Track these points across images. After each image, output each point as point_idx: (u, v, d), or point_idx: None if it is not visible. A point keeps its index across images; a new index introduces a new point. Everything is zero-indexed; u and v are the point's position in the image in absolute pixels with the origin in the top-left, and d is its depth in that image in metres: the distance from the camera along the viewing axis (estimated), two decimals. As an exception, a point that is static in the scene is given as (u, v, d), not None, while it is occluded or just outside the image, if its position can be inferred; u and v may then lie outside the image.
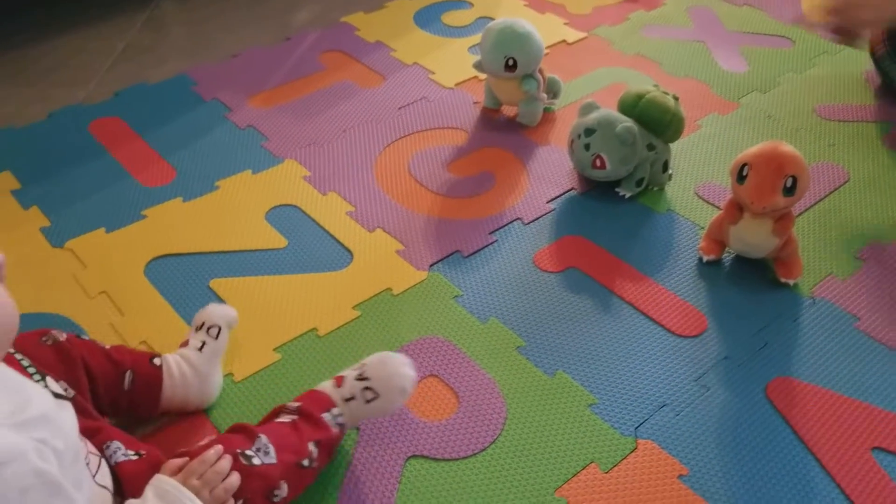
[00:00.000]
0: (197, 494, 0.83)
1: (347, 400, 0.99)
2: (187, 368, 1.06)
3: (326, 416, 0.97)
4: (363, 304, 1.25)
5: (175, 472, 0.86)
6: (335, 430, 0.97)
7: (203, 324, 1.11)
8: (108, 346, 1.03)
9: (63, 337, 0.96)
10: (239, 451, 0.88)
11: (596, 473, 1.01)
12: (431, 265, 1.33)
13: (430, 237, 1.38)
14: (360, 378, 1.00)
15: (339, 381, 1.01)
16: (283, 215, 1.43)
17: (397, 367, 1.01)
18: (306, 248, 1.36)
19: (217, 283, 1.27)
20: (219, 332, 1.11)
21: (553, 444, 1.05)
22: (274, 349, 1.17)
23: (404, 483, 1.00)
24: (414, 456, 1.03)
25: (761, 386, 1.13)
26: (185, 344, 1.10)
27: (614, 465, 1.02)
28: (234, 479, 0.86)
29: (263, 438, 0.91)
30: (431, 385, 1.12)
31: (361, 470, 1.01)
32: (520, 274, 1.31)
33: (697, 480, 1.01)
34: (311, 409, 0.96)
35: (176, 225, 1.40)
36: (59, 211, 1.42)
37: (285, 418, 0.96)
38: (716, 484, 1.00)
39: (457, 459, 1.03)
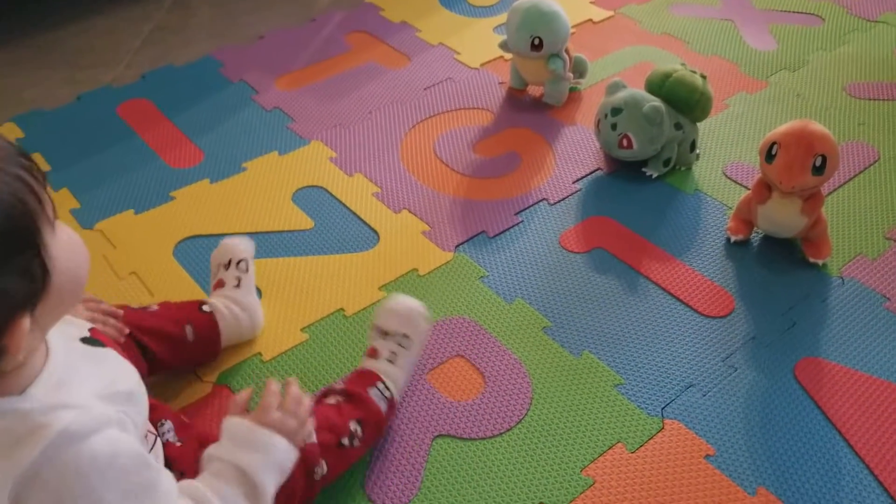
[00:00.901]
0: (282, 426, 0.82)
1: (391, 361, 1.03)
2: (234, 307, 1.11)
3: (373, 392, 0.99)
4: (389, 285, 1.25)
5: (241, 409, 0.84)
6: (381, 406, 0.99)
7: (230, 260, 1.16)
8: (155, 307, 1.07)
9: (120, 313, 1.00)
10: None
11: (622, 453, 1.01)
12: (457, 246, 1.33)
13: (456, 218, 1.38)
14: (385, 335, 1.04)
15: (372, 352, 1.04)
16: (310, 197, 1.43)
17: (403, 302, 1.06)
18: (333, 229, 1.36)
19: (245, 264, 1.28)
20: (248, 266, 1.17)
21: (579, 424, 1.05)
22: (301, 329, 1.18)
23: (431, 462, 1.01)
24: (441, 435, 1.04)
25: (789, 366, 1.12)
26: (219, 284, 1.15)
27: (641, 445, 1.02)
28: (308, 399, 0.88)
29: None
30: (458, 365, 1.13)
31: (389, 449, 1.02)
32: (546, 254, 1.31)
33: (724, 461, 1.00)
34: (355, 388, 0.98)
35: (204, 206, 1.41)
36: (89, 192, 1.44)
37: (331, 400, 0.98)
38: (743, 464, 1.00)
39: (483, 439, 1.03)
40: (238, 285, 1.14)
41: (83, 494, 0.62)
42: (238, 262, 1.16)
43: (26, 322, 0.61)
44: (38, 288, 0.62)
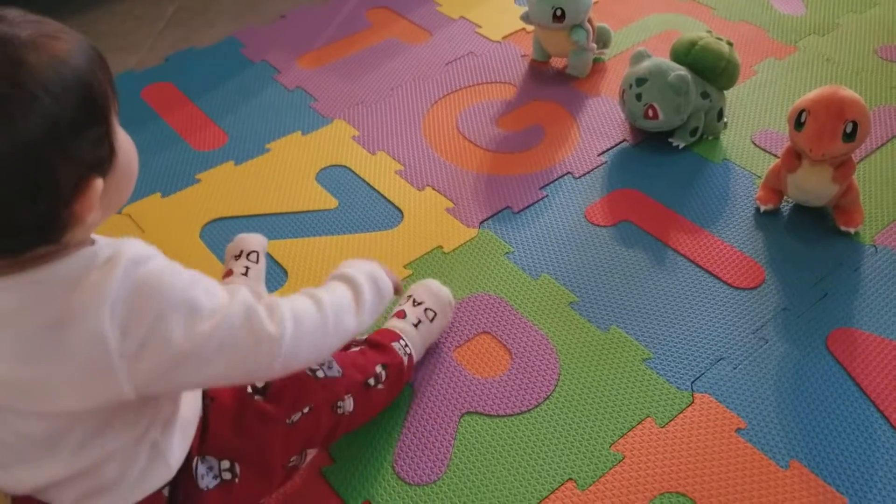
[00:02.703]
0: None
1: (416, 325, 1.06)
2: None
3: (395, 345, 1.02)
4: (414, 263, 1.25)
5: None
6: (403, 356, 1.02)
7: (241, 252, 1.19)
8: None
9: None
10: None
11: (652, 428, 1.01)
12: (482, 222, 1.32)
13: (480, 194, 1.37)
14: (417, 304, 1.09)
15: (402, 314, 1.08)
16: (334, 176, 1.43)
17: (438, 286, 1.12)
18: (357, 208, 1.36)
19: (271, 246, 1.28)
20: (258, 257, 1.19)
21: (608, 399, 1.04)
22: (328, 309, 1.18)
23: (460, 439, 1.01)
24: (469, 412, 1.04)
25: (822, 337, 1.11)
26: (228, 274, 1.17)
27: (671, 420, 1.01)
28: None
29: (329, 357, 0.95)
30: (484, 342, 1.12)
31: (418, 426, 1.02)
32: (571, 229, 1.30)
33: (756, 434, 0.99)
34: (378, 338, 1.03)
35: (229, 188, 1.41)
36: (116, 177, 1.44)
37: (354, 348, 1.01)
38: (774, 437, 0.99)
39: (511, 415, 1.03)
40: (246, 274, 1.16)
41: (160, 289, 0.71)
42: (248, 254, 1.18)
43: (99, 182, 0.68)
44: (106, 160, 0.70)
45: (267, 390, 0.90)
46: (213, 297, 0.75)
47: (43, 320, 0.68)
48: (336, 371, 0.95)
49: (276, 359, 0.77)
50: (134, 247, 0.72)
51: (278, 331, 0.77)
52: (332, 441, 0.97)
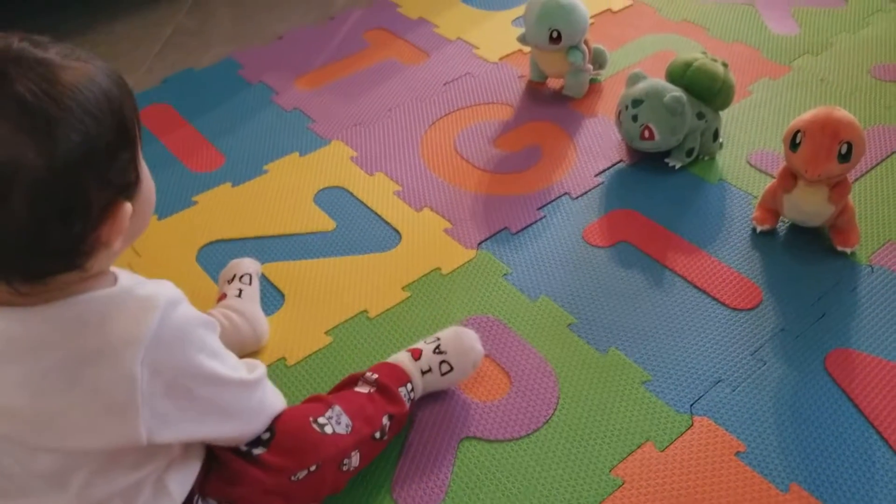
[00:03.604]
0: None
1: (424, 373, 1.03)
2: (233, 315, 1.11)
3: (401, 391, 1.00)
4: (413, 285, 1.25)
5: None
6: (407, 403, 1.00)
7: (234, 276, 1.19)
8: None
9: None
10: (311, 418, 0.90)
11: (652, 452, 1.01)
12: (480, 243, 1.32)
13: (478, 214, 1.38)
14: (438, 351, 1.04)
15: (417, 354, 1.04)
16: (331, 197, 1.43)
17: (472, 343, 1.06)
18: (355, 229, 1.36)
19: (267, 268, 1.28)
20: (251, 279, 1.19)
21: (607, 423, 1.04)
22: (325, 332, 1.18)
23: (458, 465, 1.00)
24: (467, 437, 1.03)
25: (820, 358, 1.11)
26: (221, 297, 1.16)
27: (670, 443, 1.01)
28: None
29: (337, 408, 0.93)
30: (483, 365, 1.12)
31: (416, 452, 1.02)
32: (569, 250, 1.30)
33: (756, 457, 0.99)
34: (388, 383, 0.99)
35: (226, 210, 1.41)
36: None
37: (363, 388, 0.98)
38: (774, 460, 0.99)
39: (510, 440, 1.03)
40: (239, 295, 1.15)
41: (193, 340, 0.74)
42: (241, 276, 1.19)
43: (129, 206, 0.69)
44: (133, 185, 0.71)
45: (271, 441, 0.87)
46: (236, 362, 0.81)
47: (67, 354, 0.68)
48: (345, 426, 0.92)
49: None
50: (169, 289, 0.73)
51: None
52: (333, 494, 0.94)
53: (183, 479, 0.81)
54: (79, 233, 0.66)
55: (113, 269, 0.75)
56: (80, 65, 0.66)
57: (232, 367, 0.81)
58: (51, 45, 0.66)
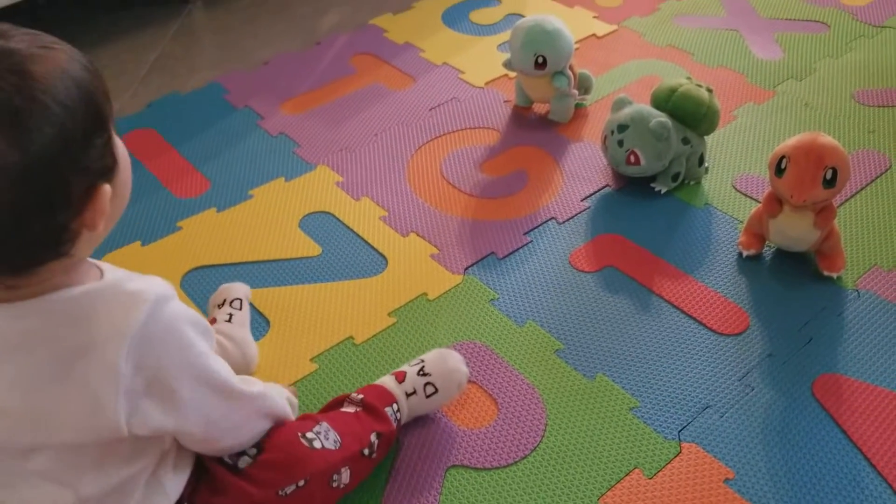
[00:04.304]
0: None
1: (409, 395, 1.03)
2: (223, 339, 1.10)
3: (387, 410, 0.99)
4: (399, 311, 1.24)
5: None
6: (394, 423, 1.00)
7: (224, 300, 1.18)
8: None
9: None
10: (299, 433, 0.90)
11: (640, 479, 1.00)
12: (466, 268, 1.32)
13: (465, 240, 1.37)
14: (422, 373, 1.04)
15: (401, 377, 1.04)
16: (317, 222, 1.43)
17: (456, 364, 1.06)
18: (340, 255, 1.35)
19: (253, 294, 1.26)
20: (241, 304, 1.19)
21: (595, 450, 1.03)
22: (311, 359, 1.17)
23: (445, 493, 0.99)
24: (454, 465, 1.02)
25: (807, 384, 1.10)
26: (212, 322, 1.15)
27: (658, 471, 1.00)
28: None
29: (325, 424, 0.93)
30: (470, 392, 1.11)
31: (402, 481, 1.00)
32: (556, 275, 1.30)
33: (744, 484, 0.99)
34: (374, 402, 0.99)
35: (211, 236, 1.40)
36: (97, 225, 1.43)
37: (349, 408, 0.98)
38: (763, 487, 0.98)
39: (498, 468, 1.02)
40: (229, 320, 1.15)
41: (181, 339, 0.74)
42: (232, 301, 1.18)
43: (108, 189, 0.68)
44: (111, 167, 0.70)
45: (258, 454, 0.87)
46: (223, 365, 0.80)
47: (57, 349, 0.69)
48: (333, 442, 0.91)
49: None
50: (160, 285, 0.73)
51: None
52: None
53: (177, 478, 0.81)
54: (61, 221, 0.66)
55: (97, 263, 0.76)
56: (48, 53, 0.66)
57: (224, 369, 0.80)
58: (14, 33, 0.66)
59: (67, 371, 0.69)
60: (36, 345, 0.69)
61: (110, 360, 0.68)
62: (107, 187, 0.69)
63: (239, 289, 1.22)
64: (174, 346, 0.73)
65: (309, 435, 0.90)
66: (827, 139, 1.19)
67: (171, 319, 0.73)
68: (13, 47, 0.64)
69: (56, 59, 0.66)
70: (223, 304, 1.19)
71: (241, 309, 1.18)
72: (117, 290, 0.71)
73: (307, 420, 0.94)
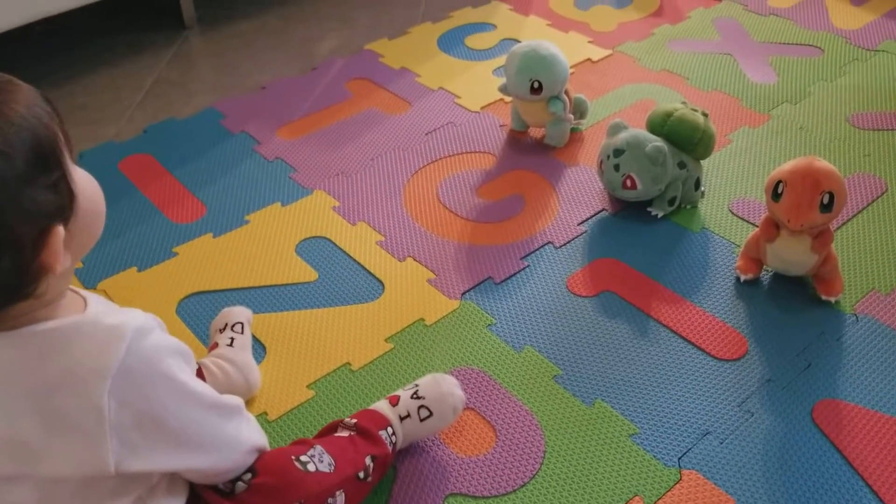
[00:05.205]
0: None
1: (403, 418, 1.02)
2: (225, 364, 1.10)
3: (382, 434, 0.99)
4: (396, 336, 1.24)
5: None
6: (389, 446, 0.99)
7: (226, 324, 1.18)
8: None
9: None
10: (293, 456, 0.89)
11: (640, 507, 0.99)
12: (463, 293, 1.31)
13: (462, 264, 1.37)
14: (416, 397, 1.03)
15: (395, 400, 1.03)
16: (314, 247, 1.42)
17: (450, 387, 1.05)
18: (337, 280, 1.35)
19: (250, 320, 1.26)
20: (243, 328, 1.18)
21: (595, 478, 1.02)
22: (307, 386, 1.16)
23: (444, 521, 0.98)
24: (453, 494, 1.01)
25: (807, 409, 1.10)
26: (213, 347, 1.15)
27: (658, 498, 0.99)
28: None
29: (319, 448, 0.92)
30: (468, 419, 1.11)
31: (400, 509, 1.00)
32: (553, 299, 1.30)
33: (745, 511, 0.98)
34: (368, 426, 0.98)
35: (207, 262, 1.40)
36: (91, 251, 1.42)
37: (343, 433, 0.97)
38: (764, 514, 0.97)
39: (497, 496, 1.01)
40: (231, 344, 1.14)
41: (163, 371, 0.73)
42: (233, 325, 1.17)
43: (60, 230, 0.67)
44: (66, 205, 0.69)
45: (252, 479, 0.86)
46: (209, 390, 0.79)
47: (35, 382, 0.68)
48: (327, 465, 0.90)
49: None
50: (139, 317, 0.72)
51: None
52: None
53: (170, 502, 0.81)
54: (14, 266, 0.65)
55: (84, 293, 0.75)
56: None
57: (206, 391, 0.80)
58: None
59: (47, 404, 0.68)
60: (14, 376, 0.68)
61: (94, 398, 0.68)
62: (59, 229, 0.67)
63: (240, 313, 1.22)
64: (158, 379, 0.73)
65: (303, 458, 0.90)
66: (823, 163, 1.20)
67: (150, 352, 0.72)
68: None
69: None
70: (224, 329, 1.18)
71: (242, 333, 1.18)
72: (96, 325, 0.70)
73: (301, 444, 0.93)
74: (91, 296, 0.75)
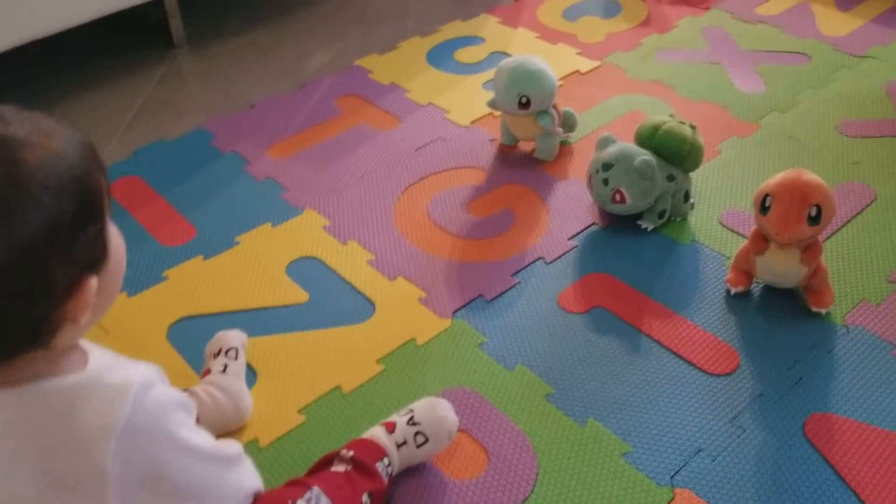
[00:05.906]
0: None
1: (400, 445, 1.01)
2: (216, 391, 1.09)
3: (378, 466, 0.98)
4: (387, 358, 1.23)
5: None
6: (385, 479, 0.98)
7: (220, 350, 1.17)
8: None
9: None
10: (290, 501, 0.89)
11: (632, 528, 0.99)
12: (454, 312, 1.31)
13: (453, 282, 1.37)
14: (412, 423, 1.03)
15: (391, 427, 1.03)
16: (304, 268, 1.42)
17: (446, 412, 1.05)
18: (328, 301, 1.35)
19: (241, 344, 1.26)
20: (237, 353, 1.17)
21: (588, 499, 1.02)
22: (298, 411, 1.16)
23: (437, 547, 0.98)
24: (445, 518, 1.01)
25: (799, 424, 1.10)
26: (206, 373, 1.14)
27: (651, 518, 1.00)
28: None
29: (316, 489, 0.91)
30: (460, 441, 1.10)
31: (393, 534, 0.99)
32: (545, 317, 1.29)
33: (738, 530, 0.98)
34: (364, 459, 0.97)
35: (198, 285, 1.39)
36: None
37: (339, 467, 0.96)
38: (757, 533, 0.97)
39: (489, 519, 1.01)
40: (224, 371, 1.14)
41: (167, 426, 0.72)
42: (227, 351, 1.16)
43: (94, 282, 0.67)
44: (100, 259, 0.69)
45: None
46: (213, 442, 0.80)
47: (36, 442, 0.67)
48: None
49: None
50: (142, 372, 0.72)
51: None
52: None
53: None
54: (42, 312, 0.65)
55: (84, 344, 0.74)
56: (43, 140, 0.64)
57: (208, 444, 0.79)
58: (13, 118, 0.65)
59: (47, 464, 0.67)
60: (13, 435, 0.67)
61: (97, 460, 0.67)
62: (93, 280, 0.67)
63: (235, 337, 1.20)
64: (162, 436, 0.72)
65: (300, 503, 0.89)
66: (811, 176, 1.20)
67: (154, 408, 0.71)
68: (7, 134, 0.63)
69: (50, 147, 0.64)
70: (219, 354, 1.17)
71: (236, 359, 1.17)
72: (98, 384, 0.69)
73: (298, 486, 0.92)
74: (92, 347, 0.74)
